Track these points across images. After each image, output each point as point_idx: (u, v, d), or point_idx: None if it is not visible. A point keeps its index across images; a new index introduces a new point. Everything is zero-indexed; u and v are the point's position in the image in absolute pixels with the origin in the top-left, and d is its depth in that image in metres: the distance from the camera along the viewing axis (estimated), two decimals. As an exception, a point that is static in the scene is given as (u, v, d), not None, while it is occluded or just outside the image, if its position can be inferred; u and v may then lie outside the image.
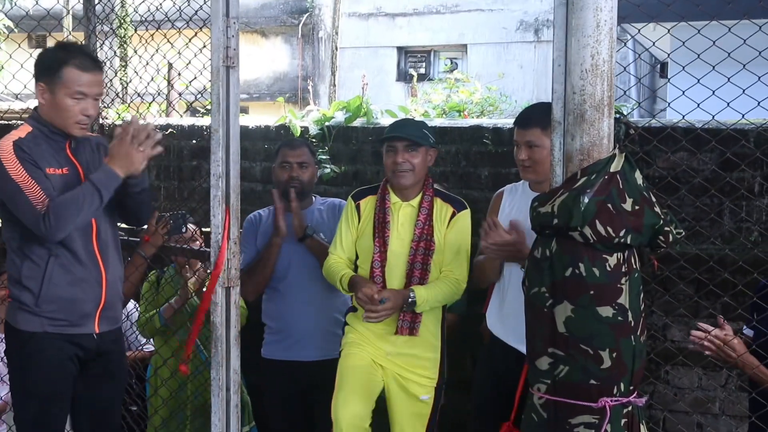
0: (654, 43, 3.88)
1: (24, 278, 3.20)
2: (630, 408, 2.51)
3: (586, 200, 2.44)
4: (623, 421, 2.50)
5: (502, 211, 3.55)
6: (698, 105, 3.17)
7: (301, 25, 14.49)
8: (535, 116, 3.39)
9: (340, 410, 3.34)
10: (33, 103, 3.44)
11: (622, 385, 2.48)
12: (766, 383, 3.21)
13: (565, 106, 2.63)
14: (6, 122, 5.61)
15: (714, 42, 3.20)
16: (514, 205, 3.49)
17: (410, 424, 3.42)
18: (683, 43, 3.36)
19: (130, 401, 4.43)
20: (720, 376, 3.51)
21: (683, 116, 3.50)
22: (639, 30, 3.74)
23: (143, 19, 4.70)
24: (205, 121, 5.52)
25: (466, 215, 3.45)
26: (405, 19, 14.32)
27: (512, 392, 3.15)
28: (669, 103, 3.67)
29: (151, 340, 4.59)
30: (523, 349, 2.90)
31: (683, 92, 3.32)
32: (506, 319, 3.43)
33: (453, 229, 3.41)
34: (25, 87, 4.22)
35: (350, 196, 3.53)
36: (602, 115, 2.55)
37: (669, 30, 3.75)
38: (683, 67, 3.09)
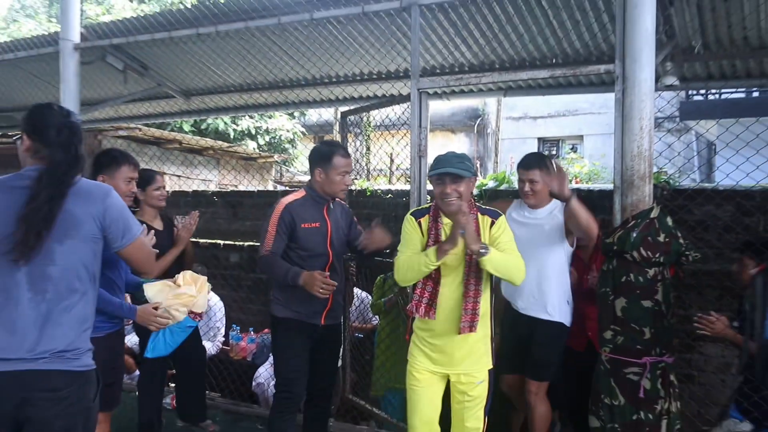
0: (703, 131, 4.63)
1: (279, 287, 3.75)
2: (663, 364, 3.21)
3: (635, 235, 3.21)
4: (658, 372, 3.20)
5: (509, 214, 3.81)
6: (727, 175, 3.93)
7: (476, 125, 16.04)
8: (535, 161, 3.83)
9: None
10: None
11: (657, 349, 3.20)
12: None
13: (622, 177, 3.39)
14: (293, 188, 6.84)
15: (737, 136, 3.98)
16: (514, 213, 3.91)
17: (470, 410, 3.25)
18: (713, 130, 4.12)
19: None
20: (736, 349, 3.75)
21: (698, 180, 4.18)
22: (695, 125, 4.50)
23: (377, 124, 5.86)
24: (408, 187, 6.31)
25: (502, 219, 3.23)
26: (543, 119, 16.26)
27: (526, 345, 3.75)
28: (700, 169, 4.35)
29: (377, 317, 5.24)
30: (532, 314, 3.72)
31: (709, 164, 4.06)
32: (521, 294, 3.78)
33: (496, 232, 3.19)
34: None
35: (410, 214, 3.33)
36: (644, 183, 3.33)
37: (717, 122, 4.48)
38: (716, 152, 3.89)
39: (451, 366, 3.24)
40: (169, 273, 3.71)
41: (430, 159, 3.52)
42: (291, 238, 3.65)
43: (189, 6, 5.50)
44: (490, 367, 3.27)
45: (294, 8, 4.58)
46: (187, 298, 2.86)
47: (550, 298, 3.75)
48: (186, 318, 2.94)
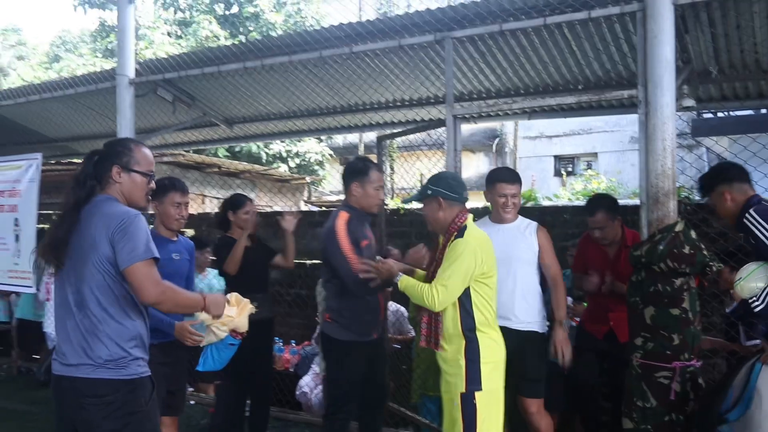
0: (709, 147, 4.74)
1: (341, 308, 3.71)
2: (691, 368, 3.28)
3: (661, 248, 3.29)
4: (687, 375, 3.27)
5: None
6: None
7: (494, 145, 16.19)
8: (517, 177, 3.79)
9: None
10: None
11: (685, 354, 3.27)
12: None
13: (648, 194, 3.50)
14: (323, 207, 7.04)
15: (745, 147, 4.08)
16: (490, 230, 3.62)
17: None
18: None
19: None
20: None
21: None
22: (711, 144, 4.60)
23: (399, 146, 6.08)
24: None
25: (457, 241, 3.13)
26: (558, 138, 16.65)
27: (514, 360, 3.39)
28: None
29: (412, 329, 5.40)
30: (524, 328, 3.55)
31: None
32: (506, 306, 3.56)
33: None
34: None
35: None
36: (668, 199, 3.44)
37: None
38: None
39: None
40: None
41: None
42: None
43: (236, 42, 5.71)
44: (462, 390, 3.06)
45: (334, 42, 4.77)
46: (226, 318, 3.00)
47: (536, 308, 3.70)
48: (227, 336, 3.09)
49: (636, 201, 4.02)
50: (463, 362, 3.05)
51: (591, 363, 3.91)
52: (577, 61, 4.47)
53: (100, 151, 2.74)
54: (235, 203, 4.47)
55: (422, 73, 4.99)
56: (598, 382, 3.97)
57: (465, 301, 3.10)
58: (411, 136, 5.48)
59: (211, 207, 9.53)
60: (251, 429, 4.41)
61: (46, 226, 6.27)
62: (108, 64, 13.99)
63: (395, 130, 5.83)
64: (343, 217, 3.64)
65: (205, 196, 9.41)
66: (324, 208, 9.72)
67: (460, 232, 3.13)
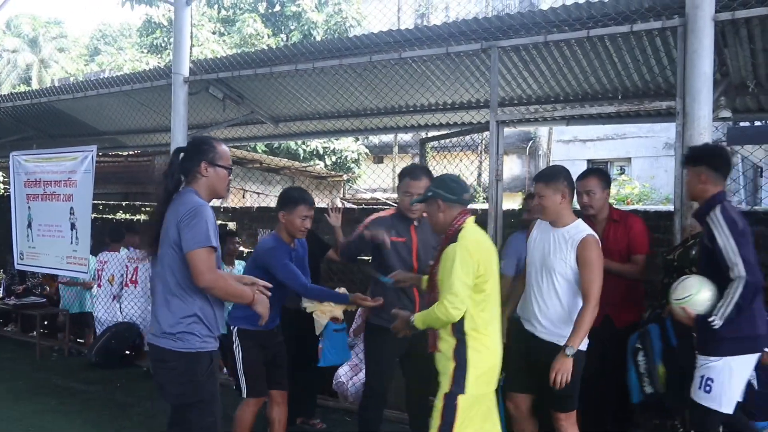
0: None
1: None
2: None
3: (693, 253, 3.47)
4: None
5: (533, 236, 3.62)
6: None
7: (528, 148, 16.37)
8: (550, 177, 3.55)
9: None
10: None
11: None
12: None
13: (682, 201, 3.69)
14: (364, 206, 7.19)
15: None
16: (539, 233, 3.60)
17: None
18: None
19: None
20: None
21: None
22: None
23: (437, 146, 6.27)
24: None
25: (449, 249, 3.10)
26: (592, 143, 16.75)
27: (541, 370, 3.31)
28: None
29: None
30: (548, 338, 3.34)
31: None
32: (539, 315, 3.46)
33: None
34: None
35: None
36: None
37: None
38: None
39: None
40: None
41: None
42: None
43: (286, 44, 5.97)
44: (446, 390, 3.04)
45: (383, 48, 5.02)
46: (327, 307, 3.32)
47: (560, 321, 3.44)
48: (329, 323, 3.41)
49: (669, 207, 4.19)
50: (451, 363, 3.04)
51: (590, 351, 3.49)
52: (617, 72, 4.65)
53: (186, 149, 3.09)
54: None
55: (465, 79, 5.21)
56: (598, 369, 3.75)
57: None
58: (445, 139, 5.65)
59: (251, 201, 9.85)
60: (299, 414, 4.69)
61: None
62: (153, 60, 14.48)
63: (436, 133, 6.05)
64: (382, 213, 4.07)
65: (245, 190, 9.73)
66: (361, 206, 9.96)
67: (455, 236, 3.10)
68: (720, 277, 3.09)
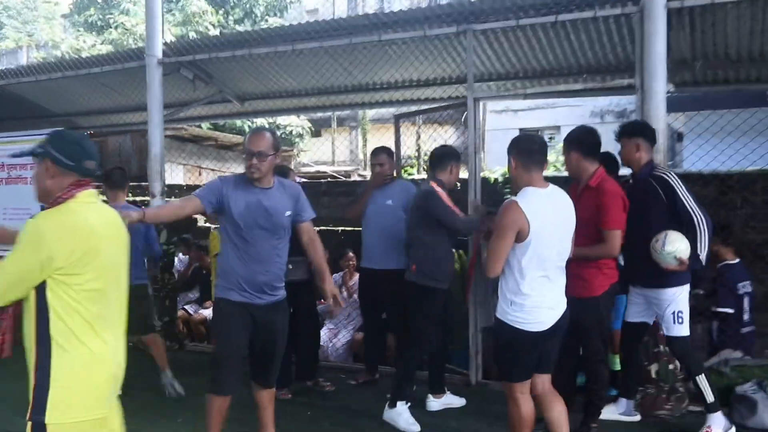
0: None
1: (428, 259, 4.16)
2: None
3: None
4: None
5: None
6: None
7: (463, 118, 17.05)
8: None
9: None
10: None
11: None
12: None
13: None
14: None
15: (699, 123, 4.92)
16: None
17: None
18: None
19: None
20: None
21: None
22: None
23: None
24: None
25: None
26: (523, 112, 17.71)
27: None
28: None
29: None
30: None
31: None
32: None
33: None
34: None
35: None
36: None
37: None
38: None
39: None
40: None
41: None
42: None
43: (265, 27, 6.20)
44: (28, 418, 2.21)
45: (362, 30, 5.36)
46: None
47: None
48: None
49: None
50: (32, 381, 2.24)
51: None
52: (584, 51, 5.24)
53: None
54: (279, 174, 4.84)
55: (443, 59, 5.65)
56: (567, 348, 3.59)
57: (40, 300, 2.25)
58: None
59: (207, 178, 9.99)
60: (301, 376, 5.00)
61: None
62: (90, 39, 14.13)
63: (414, 108, 6.49)
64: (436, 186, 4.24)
65: (201, 168, 9.86)
66: (305, 180, 10.26)
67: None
68: (678, 225, 3.63)
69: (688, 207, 3.63)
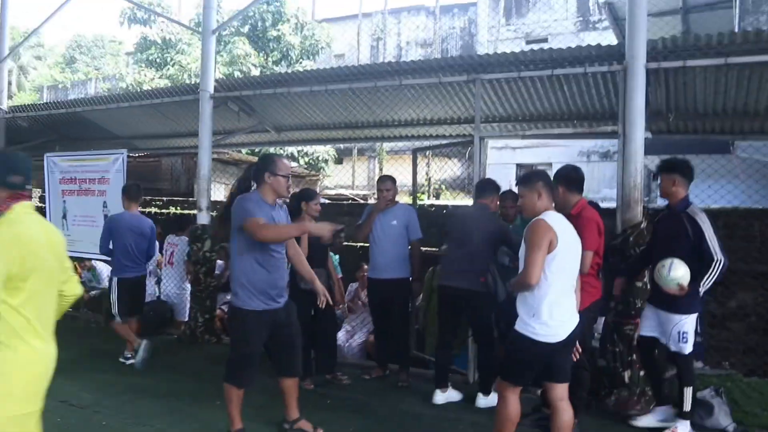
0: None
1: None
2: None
3: (632, 239, 4.23)
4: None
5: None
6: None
7: (467, 153, 17.21)
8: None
9: None
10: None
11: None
12: None
13: (622, 201, 4.36)
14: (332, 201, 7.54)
15: None
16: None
17: None
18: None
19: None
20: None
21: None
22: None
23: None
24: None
25: None
26: (520, 149, 17.86)
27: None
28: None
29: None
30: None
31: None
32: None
33: None
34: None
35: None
36: (637, 205, 4.32)
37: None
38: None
39: None
40: None
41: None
42: None
43: (301, 69, 6.40)
44: None
45: (385, 75, 5.56)
46: None
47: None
48: None
49: (611, 204, 4.90)
50: None
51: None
52: (574, 100, 5.42)
53: (257, 163, 3.65)
54: (308, 196, 4.80)
55: (453, 102, 5.83)
56: None
57: None
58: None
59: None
60: (322, 370, 5.03)
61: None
62: (150, 73, 14.54)
63: (426, 144, 6.65)
64: None
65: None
66: (328, 201, 10.41)
67: None
68: (695, 258, 3.65)
69: (712, 249, 3.68)
